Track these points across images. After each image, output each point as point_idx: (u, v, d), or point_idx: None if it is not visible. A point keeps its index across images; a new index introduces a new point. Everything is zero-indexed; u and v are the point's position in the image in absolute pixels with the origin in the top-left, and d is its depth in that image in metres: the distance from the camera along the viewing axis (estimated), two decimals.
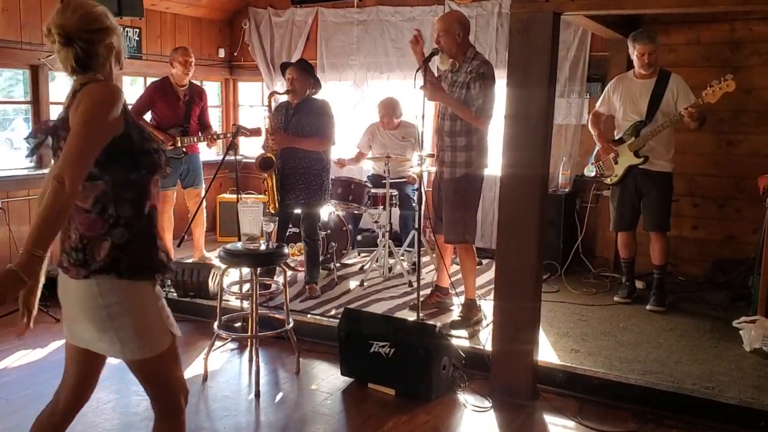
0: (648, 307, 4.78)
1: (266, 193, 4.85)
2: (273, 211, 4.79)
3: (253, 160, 5.02)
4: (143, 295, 2.08)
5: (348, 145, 6.42)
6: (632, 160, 4.71)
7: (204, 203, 5.70)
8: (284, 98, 5.03)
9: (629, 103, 4.73)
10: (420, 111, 4.10)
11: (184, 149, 5.61)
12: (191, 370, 3.96)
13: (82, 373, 2.27)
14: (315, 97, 4.94)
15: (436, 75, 4.37)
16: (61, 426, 2.27)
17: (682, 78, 4.64)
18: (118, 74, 2.20)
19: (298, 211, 5.03)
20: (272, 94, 4.96)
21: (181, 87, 5.62)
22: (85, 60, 2.00)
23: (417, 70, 3.99)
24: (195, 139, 5.61)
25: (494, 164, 4.32)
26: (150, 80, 6.78)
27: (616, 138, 4.83)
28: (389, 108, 5.95)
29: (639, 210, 4.83)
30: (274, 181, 4.80)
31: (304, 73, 4.86)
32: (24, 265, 1.77)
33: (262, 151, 4.88)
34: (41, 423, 2.28)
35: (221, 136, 5.83)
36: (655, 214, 4.74)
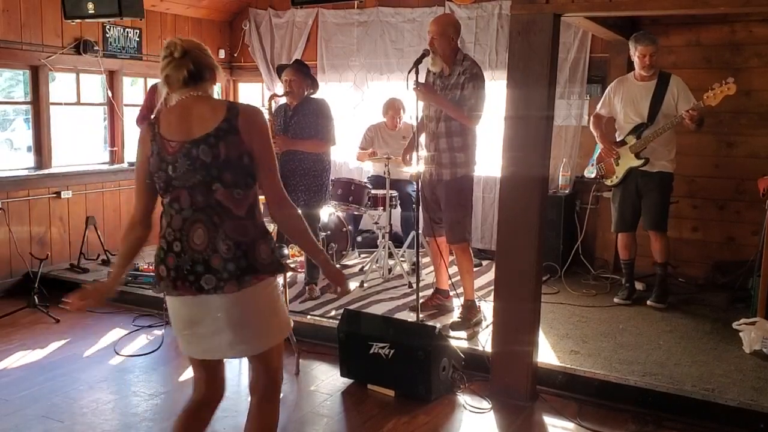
0: (648, 302, 4.81)
1: None
2: None
3: None
4: (278, 288, 2.33)
5: (348, 145, 6.44)
6: (633, 161, 4.71)
7: None
8: (283, 100, 5.03)
9: (630, 106, 4.73)
10: (414, 112, 4.12)
11: None
12: (191, 371, 3.95)
13: (212, 375, 2.41)
14: (313, 97, 4.94)
15: (427, 78, 4.35)
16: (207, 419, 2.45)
17: (682, 80, 4.65)
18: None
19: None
20: (272, 96, 4.95)
21: None
22: (197, 73, 2.21)
23: (408, 72, 4.00)
24: None
25: (494, 165, 4.33)
26: (150, 81, 6.80)
27: (618, 140, 4.84)
28: (396, 108, 5.97)
29: (639, 211, 4.83)
30: None
31: (301, 74, 4.86)
32: (328, 264, 2.38)
33: None
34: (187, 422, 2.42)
35: None
36: (654, 214, 4.75)
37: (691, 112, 4.44)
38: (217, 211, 2.14)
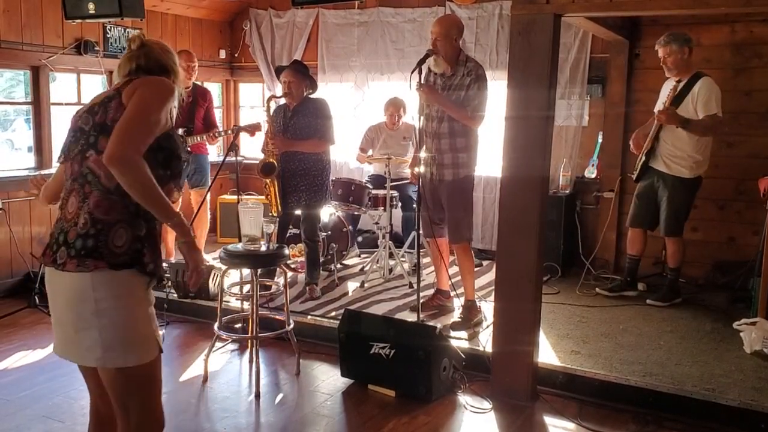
0: (648, 300, 4.84)
1: (268, 197, 4.83)
2: (276, 215, 4.78)
3: (254, 161, 5.02)
4: (138, 293, 2.00)
5: (348, 146, 6.44)
6: (644, 158, 4.79)
7: (207, 204, 5.70)
8: (282, 101, 5.04)
9: (659, 102, 4.76)
10: (416, 113, 4.12)
11: (188, 149, 5.62)
12: (191, 371, 3.96)
13: (95, 385, 2.17)
14: (312, 96, 4.94)
15: (428, 78, 4.36)
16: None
17: (714, 82, 4.55)
18: None
19: (298, 212, 5.03)
20: (271, 97, 4.95)
21: (185, 89, 5.64)
22: (145, 66, 2.14)
23: (411, 72, 4.00)
24: (198, 138, 5.62)
25: (494, 165, 4.32)
26: None
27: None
28: (397, 107, 5.98)
29: (654, 211, 4.82)
30: (276, 187, 4.79)
31: (300, 75, 4.86)
32: (183, 233, 2.02)
33: (262, 155, 4.88)
34: None
35: (221, 134, 5.84)
36: (664, 219, 4.76)
37: (659, 114, 4.51)
38: (89, 179, 1.98)
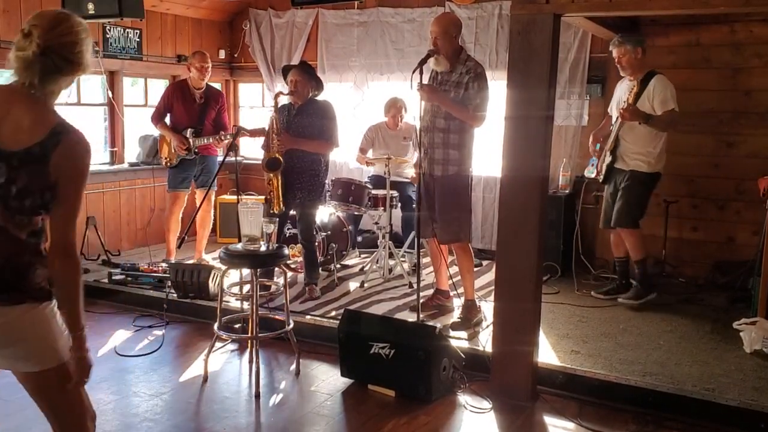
0: (619, 299, 4.85)
1: (271, 193, 4.83)
2: (278, 212, 4.78)
3: (253, 161, 5.02)
4: (53, 310, 2.03)
5: (348, 146, 6.43)
6: (608, 159, 4.83)
7: (211, 204, 5.72)
8: (284, 99, 5.03)
9: (617, 103, 4.83)
10: (417, 112, 4.12)
11: (195, 150, 5.63)
12: (191, 371, 3.97)
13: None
14: (317, 98, 4.95)
15: (433, 78, 4.36)
16: None
17: (667, 79, 4.64)
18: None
19: (294, 212, 5.03)
20: (278, 94, 4.96)
21: (197, 89, 5.66)
22: (48, 81, 1.92)
23: (413, 72, 4.00)
24: (205, 140, 5.63)
25: (494, 165, 4.32)
26: (150, 81, 6.82)
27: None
28: (399, 107, 5.98)
29: None
30: (280, 182, 4.79)
31: (307, 75, 4.88)
32: (81, 347, 2.03)
33: (262, 152, 4.88)
34: None
35: (228, 137, 5.83)
36: (617, 211, 4.79)
37: (623, 112, 4.57)
38: None
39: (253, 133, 5.13)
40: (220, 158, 6.01)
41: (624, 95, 4.77)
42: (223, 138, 5.68)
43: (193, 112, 5.64)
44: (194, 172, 5.71)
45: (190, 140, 5.58)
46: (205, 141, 5.63)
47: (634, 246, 4.82)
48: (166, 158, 5.71)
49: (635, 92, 4.66)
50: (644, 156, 4.70)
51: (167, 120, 5.69)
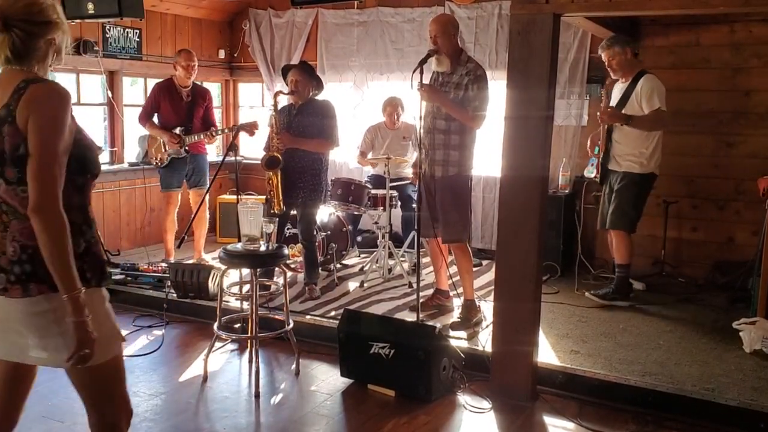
0: (587, 293, 4.88)
1: (271, 193, 4.83)
2: (278, 212, 4.78)
3: (253, 161, 5.02)
4: (94, 297, 1.96)
5: (348, 145, 6.43)
6: (604, 160, 4.85)
7: (206, 204, 5.70)
8: (287, 98, 5.04)
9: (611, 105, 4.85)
10: (418, 112, 4.12)
11: (186, 149, 5.62)
12: (191, 371, 3.96)
13: (10, 396, 2.11)
14: (318, 98, 4.96)
15: (434, 78, 4.36)
16: None
17: (657, 78, 4.63)
18: (57, 68, 2.06)
19: (294, 212, 5.03)
20: (277, 93, 4.96)
21: (184, 88, 5.65)
22: (22, 51, 1.87)
23: (413, 72, 4.00)
24: (196, 137, 5.62)
25: (494, 165, 4.31)
26: (150, 81, 6.81)
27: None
28: (395, 106, 5.98)
29: None
30: (279, 179, 4.79)
31: (307, 75, 4.88)
32: (75, 311, 1.82)
33: (263, 154, 4.88)
34: None
35: (219, 132, 5.84)
36: (611, 213, 4.80)
37: (600, 116, 4.64)
38: (3, 209, 1.89)
39: (250, 126, 5.13)
40: (209, 157, 6.01)
41: (616, 97, 4.79)
42: (214, 134, 5.68)
43: (181, 110, 5.64)
44: (185, 171, 5.71)
45: (182, 136, 5.57)
46: (196, 138, 5.63)
47: (623, 250, 4.82)
48: (156, 158, 5.69)
49: (623, 94, 4.69)
50: (636, 157, 4.69)
51: (155, 120, 5.68)
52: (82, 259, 1.92)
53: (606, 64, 4.78)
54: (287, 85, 4.94)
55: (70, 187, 1.91)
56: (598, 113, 4.75)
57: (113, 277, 5.24)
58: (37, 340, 1.92)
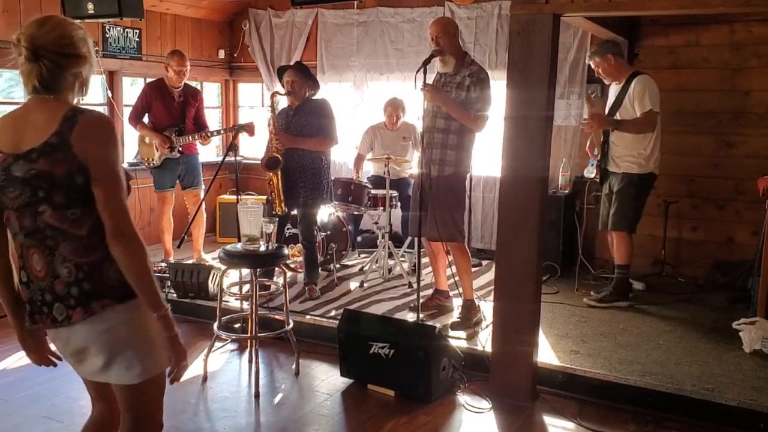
0: (585, 299, 4.86)
1: (272, 194, 4.83)
2: (280, 213, 4.78)
3: (253, 161, 5.02)
4: (142, 309, 1.97)
5: (348, 146, 6.44)
6: (602, 162, 4.85)
7: (203, 205, 5.69)
8: (283, 99, 5.04)
9: (607, 108, 4.88)
10: (420, 112, 4.12)
11: (179, 149, 5.61)
12: (191, 371, 3.95)
13: (101, 393, 2.18)
14: (315, 97, 4.96)
15: (433, 78, 4.36)
16: None
17: (650, 79, 4.63)
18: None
19: (295, 212, 5.03)
20: (274, 94, 4.96)
21: (176, 88, 5.64)
22: (50, 82, 1.90)
23: (417, 72, 4.00)
24: (189, 138, 5.61)
25: (494, 165, 4.31)
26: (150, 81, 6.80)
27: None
28: (396, 107, 5.98)
29: None
30: (279, 180, 4.79)
31: (303, 76, 4.89)
32: (167, 327, 1.91)
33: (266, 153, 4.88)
34: None
35: (214, 134, 5.84)
36: (612, 214, 4.80)
37: (589, 121, 4.67)
38: (48, 234, 1.88)
39: (246, 127, 5.13)
40: (210, 157, 6.00)
41: (611, 99, 4.81)
42: (209, 135, 5.68)
43: (173, 111, 5.63)
44: (178, 171, 5.70)
45: (173, 139, 5.56)
46: (190, 139, 5.62)
47: (623, 250, 4.81)
48: (147, 159, 5.68)
49: (617, 97, 4.71)
50: (634, 157, 4.68)
51: (146, 120, 5.67)
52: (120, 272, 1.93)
53: (596, 72, 4.84)
54: (283, 86, 4.95)
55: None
56: (585, 120, 4.76)
57: None
58: (108, 357, 1.94)
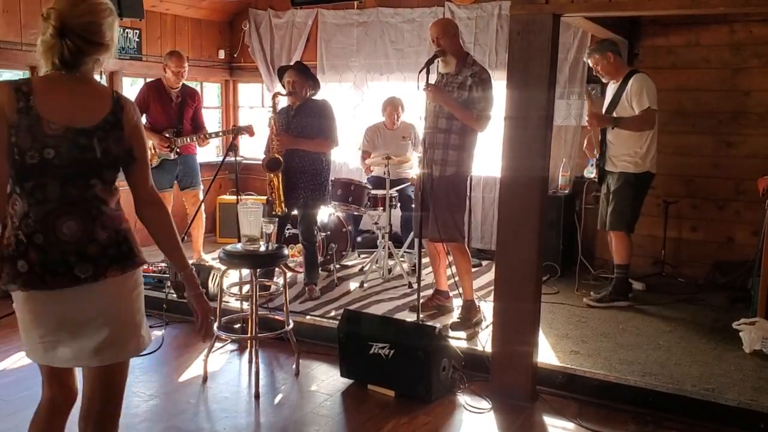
0: (585, 300, 4.86)
1: (273, 194, 4.83)
2: (281, 213, 4.78)
3: (253, 161, 5.01)
4: (142, 292, 2.19)
5: (348, 146, 6.44)
6: (600, 161, 4.86)
7: (203, 205, 5.69)
8: (284, 99, 5.04)
9: (604, 106, 4.88)
10: (421, 113, 4.12)
11: (177, 150, 5.61)
12: (191, 372, 3.96)
13: (62, 377, 2.19)
14: (315, 98, 4.96)
15: (434, 79, 4.37)
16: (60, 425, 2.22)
17: (647, 77, 4.63)
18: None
19: (296, 212, 5.03)
20: (276, 95, 4.96)
21: (173, 89, 5.64)
22: (70, 62, 1.95)
23: (419, 72, 4.00)
24: (188, 139, 5.61)
25: (494, 166, 4.30)
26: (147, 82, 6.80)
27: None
28: (395, 106, 5.98)
29: None
30: (280, 181, 4.79)
31: (303, 76, 4.88)
32: (192, 286, 2.16)
33: (265, 154, 4.88)
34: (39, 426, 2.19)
35: (212, 136, 5.83)
36: (609, 214, 4.80)
37: (589, 120, 4.68)
38: (94, 204, 2.01)
39: (245, 129, 5.13)
40: (210, 157, 5.99)
41: (608, 98, 4.81)
42: (207, 137, 5.67)
43: (171, 111, 5.63)
44: (176, 171, 5.69)
45: (171, 139, 5.56)
46: (188, 140, 5.61)
47: (622, 250, 4.81)
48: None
49: (614, 95, 4.71)
50: (631, 156, 4.68)
51: (144, 121, 5.68)
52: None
53: (594, 71, 4.83)
54: (284, 86, 4.95)
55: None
56: (586, 118, 4.75)
57: None
58: (105, 334, 2.02)
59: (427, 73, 4.00)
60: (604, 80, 4.85)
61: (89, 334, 2.02)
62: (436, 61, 4.17)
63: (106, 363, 2.07)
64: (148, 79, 6.71)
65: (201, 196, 5.67)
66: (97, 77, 2.09)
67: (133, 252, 2.08)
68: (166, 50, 6.69)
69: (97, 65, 2.03)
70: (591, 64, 4.83)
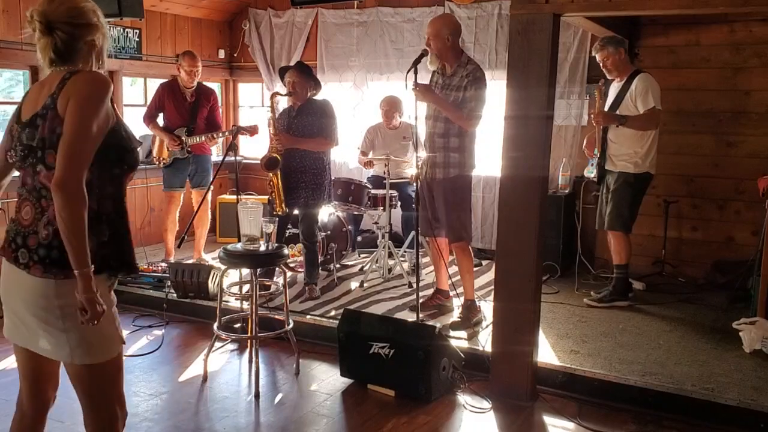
0: (586, 300, 4.85)
1: (273, 194, 4.83)
2: (281, 213, 4.78)
3: (253, 161, 5.02)
4: (110, 298, 2.04)
5: (348, 145, 6.43)
6: (601, 160, 4.85)
7: (207, 204, 5.69)
8: (285, 99, 5.04)
9: (607, 105, 4.86)
10: (412, 112, 4.12)
11: (188, 149, 5.61)
12: (191, 371, 3.96)
13: (33, 372, 2.21)
14: (316, 98, 4.96)
15: (429, 78, 4.37)
16: None
17: (651, 77, 4.63)
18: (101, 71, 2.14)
19: (296, 212, 5.03)
20: (274, 95, 4.96)
21: (188, 88, 5.65)
22: (65, 52, 1.97)
23: (407, 72, 4.01)
24: (198, 138, 5.61)
25: (494, 165, 4.29)
26: (150, 81, 6.81)
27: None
28: (392, 105, 5.97)
29: None
30: (280, 182, 4.79)
31: (304, 76, 4.88)
32: (85, 288, 1.86)
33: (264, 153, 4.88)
34: None
35: (220, 135, 5.83)
36: (607, 213, 4.80)
37: (594, 119, 4.66)
38: (43, 194, 1.96)
39: (249, 130, 5.13)
40: (213, 157, 5.99)
41: (611, 97, 4.80)
42: (215, 137, 5.67)
43: (184, 110, 5.64)
44: (188, 171, 5.70)
45: (183, 138, 5.57)
46: (198, 140, 5.62)
47: (620, 250, 4.81)
48: (161, 158, 5.69)
49: (618, 93, 4.69)
50: (631, 156, 4.68)
51: (160, 120, 5.69)
52: (107, 246, 2.00)
53: (601, 65, 4.78)
54: (285, 86, 4.95)
55: (106, 177, 2.01)
56: (592, 115, 4.75)
57: None
58: (40, 331, 1.99)
59: (415, 72, 4.00)
60: (609, 76, 4.80)
61: (19, 318, 2.03)
62: (423, 59, 4.16)
63: (49, 356, 2.06)
64: (149, 79, 6.73)
65: (208, 197, 5.69)
66: (95, 68, 2.05)
67: (60, 262, 1.91)
68: (167, 50, 6.72)
69: (93, 49, 2.02)
70: (599, 59, 4.76)
